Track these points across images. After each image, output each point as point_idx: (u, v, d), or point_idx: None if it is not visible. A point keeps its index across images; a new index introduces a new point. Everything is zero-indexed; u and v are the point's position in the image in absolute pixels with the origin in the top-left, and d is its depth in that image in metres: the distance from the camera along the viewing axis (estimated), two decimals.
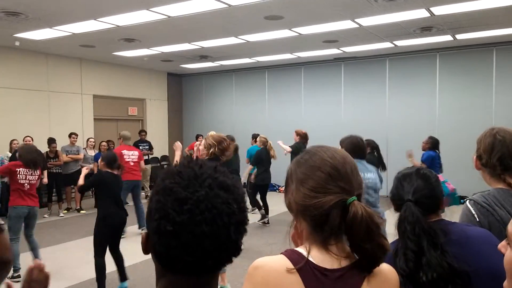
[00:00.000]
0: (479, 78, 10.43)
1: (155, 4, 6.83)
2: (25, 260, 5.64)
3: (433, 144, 7.43)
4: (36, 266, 1.49)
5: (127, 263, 5.94)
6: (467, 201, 1.84)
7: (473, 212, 1.77)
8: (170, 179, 0.88)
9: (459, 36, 9.42)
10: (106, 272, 4.91)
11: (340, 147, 3.52)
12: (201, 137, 11.65)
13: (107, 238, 4.86)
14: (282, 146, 8.43)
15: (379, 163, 7.62)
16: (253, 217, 8.77)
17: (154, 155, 12.45)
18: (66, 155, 9.84)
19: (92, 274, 4.94)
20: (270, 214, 8.46)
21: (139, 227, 7.93)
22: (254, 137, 9.48)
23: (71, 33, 8.73)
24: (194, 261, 0.84)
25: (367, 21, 7.96)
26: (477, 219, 1.75)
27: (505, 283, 1.11)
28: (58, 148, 9.76)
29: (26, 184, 5.53)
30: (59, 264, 6.22)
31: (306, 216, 1.13)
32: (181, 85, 15.55)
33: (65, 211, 9.87)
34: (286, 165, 1.31)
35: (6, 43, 9.64)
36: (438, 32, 8.93)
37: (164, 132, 14.69)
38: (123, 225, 5.05)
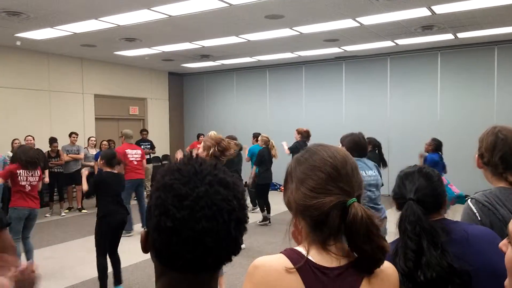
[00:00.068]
0: (481, 77, 10.41)
1: (156, 3, 6.83)
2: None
3: (436, 146, 7.41)
4: (29, 267, 1.50)
5: (129, 261, 5.98)
6: (469, 200, 1.83)
7: (475, 211, 1.77)
8: (170, 176, 0.87)
9: (461, 35, 9.40)
10: (108, 271, 4.91)
11: (340, 145, 3.52)
12: (202, 136, 11.66)
13: (107, 236, 4.86)
14: (284, 148, 8.42)
15: (381, 161, 7.63)
16: (254, 216, 8.78)
17: (155, 154, 12.46)
18: (67, 154, 9.85)
19: (93, 273, 4.95)
20: (272, 213, 8.45)
21: (143, 226, 7.95)
22: (255, 136, 9.47)
23: (72, 33, 8.74)
24: (194, 258, 0.84)
25: (368, 20, 7.95)
26: (479, 218, 1.74)
27: (506, 282, 1.10)
28: (59, 147, 9.78)
29: (27, 185, 5.53)
30: (60, 264, 6.24)
31: (306, 216, 1.13)
32: (182, 85, 15.55)
33: (67, 211, 9.89)
34: (287, 164, 1.30)
35: (8, 43, 9.65)
36: (440, 30, 8.92)
37: (165, 131, 14.70)
38: (124, 224, 5.04)
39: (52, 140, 9.66)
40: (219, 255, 0.86)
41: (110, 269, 4.96)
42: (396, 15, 7.65)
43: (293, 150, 8.64)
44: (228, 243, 0.86)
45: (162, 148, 13.69)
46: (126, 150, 7.83)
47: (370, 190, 3.54)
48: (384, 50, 11.10)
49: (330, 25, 8.32)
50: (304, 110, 12.87)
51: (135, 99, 13.65)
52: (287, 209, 1.22)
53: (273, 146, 8.58)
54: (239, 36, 9.25)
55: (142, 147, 10.14)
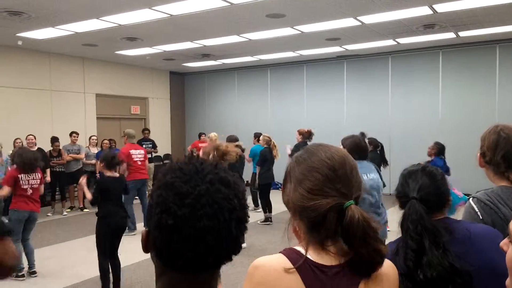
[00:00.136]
0: (482, 76, 10.40)
1: (157, 2, 6.83)
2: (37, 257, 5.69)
3: (439, 150, 7.40)
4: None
5: (131, 260, 5.99)
6: (470, 199, 1.83)
7: (476, 210, 1.76)
8: (171, 174, 0.88)
9: (462, 34, 9.38)
10: (109, 273, 4.92)
11: (342, 147, 3.50)
12: (203, 135, 11.67)
13: (107, 237, 4.87)
14: (287, 151, 8.39)
15: (382, 161, 7.64)
16: (255, 215, 8.79)
17: (156, 154, 12.47)
18: (67, 154, 9.86)
19: (95, 273, 4.96)
20: (273, 212, 8.46)
21: (145, 225, 7.94)
22: (257, 136, 9.47)
23: (73, 32, 8.74)
24: (194, 257, 0.84)
25: (370, 18, 7.94)
26: (480, 217, 1.74)
27: (507, 281, 1.10)
28: (61, 147, 9.79)
29: (28, 188, 5.55)
30: (62, 263, 6.25)
31: (303, 217, 1.13)
32: (183, 84, 15.56)
33: (68, 210, 9.90)
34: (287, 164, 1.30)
35: (9, 43, 9.66)
36: (441, 29, 8.90)
37: (167, 130, 14.70)
38: (124, 227, 5.04)
39: (54, 140, 9.68)
40: (219, 254, 0.87)
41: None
42: (398, 14, 7.64)
43: (294, 153, 8.62)
44: (228, 242, 0.86)
45: (163, 147, 13.69)
46: (130, 151, 7.84)
47: (371, 194, 3.50)
48: (385, 49, 11.09)
49: (331, 24, 8.31)
50: (306, 109, 12.86)
51: (136, 99, 13.66)
52: None
53: (275, 146, 8.57)
54: (240, 35, 9.24)
55: (144, 146, 10.17)
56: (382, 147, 8.03)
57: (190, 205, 0.83)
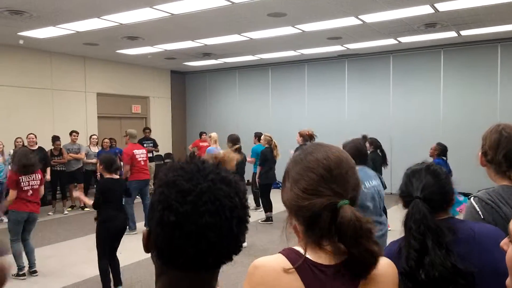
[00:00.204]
0: (484, 75, 10.38)
1: (158, 2, 6.83)
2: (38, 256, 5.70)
3: (441, 151, 7.38)
4: None
5: (132, 260, 6.00)
6: (472, 198, 1.82)
7: (478, 209, 1.76)
8: (173, 173, 0.89)
9: (464, 32, 9.37)
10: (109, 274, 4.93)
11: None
12: (204, 134, 11.68)
13: (106, 241, 4.88)
14: (290, 156, 8.39)
15: (383, 161, 7.62)
16: (256, 214, 8.80)
17: (158, 153, 12.47)
18: (67, 153, 9.87)
19: (95, 272, 4.96)
20: (274, 212, 8.47)
21: (145, 225, 7.97)
22: (257, 135, 9.46)
23: (74, 31, 8.75)
24: (196, 254, 0.84)
25: (371, 17, 7.93)
26: (482, 216, 1.74)
27: (507, 281, 1.10)
28: (62, 146, 9.80)
29: (29, 190, 5.56)
30: (63, 262, 6.26)
31: (299, 216, 1.13)
32: (184, 83, 15.56)
33: (69, 209, 9.91)
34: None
35: (10, 42, 9.67)
36: (442, 28, 8.89)
37: (168, 129, 14.71)
38: (124, 229, 5.05)
39: (55, 139, 9.69)
40: (220, 252, 0.87)
41: None
42: (399, 13, 7.63)
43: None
44: (229, 240, 0.87)
45: (164, 146, 13.69)
46: (134, 151, 7.85)
47: (373, 201, 3.47)
48: (386, 48, 11.07)
49: (332, 23, 8.30)
50: (307, 108, 12.85)
51: (137, 98, 13.66)
52: None
53: (275, 146, 8.57)
54: (242, 34, 9.24)
55: (145, 145, 10.19)
56: (381, 147, 8.00)
57: (192, 202, 0.83)
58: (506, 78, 10.13)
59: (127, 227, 5.60)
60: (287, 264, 1.08)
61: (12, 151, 8.68)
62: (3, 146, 8.82)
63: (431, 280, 1.43)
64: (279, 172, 8.77)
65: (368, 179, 3.47)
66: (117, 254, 5.01)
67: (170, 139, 14.72)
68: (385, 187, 3.93)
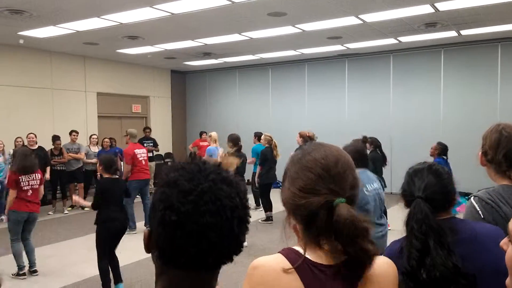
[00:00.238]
0: (484, 74, 10.38)
1: (158, 1, 6.82)
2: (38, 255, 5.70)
3: (442, 151, 7.36)
4: None
5: (132, 259, 6.00)
6: (472, 197, 1.82)
7: (478, 209, 1.76)
8: (175, 173, 0.89)
9: (464, 32, 9.36)
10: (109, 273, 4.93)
11: None
12: (204, 134, 11.67)
13: (106, 242, 4.89)
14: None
15: (383, 160, 7.62)
16: (257, 214, 8.79)
17: (158, 152, 12.47)
18: (67, 153, 9.87)
19: (96, 271, 4.96)
20: (274, 211, 8.47)
21: (145, 224, 7.97)
22: (257, 135, 9.45)
23: (74, 31, 8.74)
24: (197, 254, 0.85)
25: (371, 17, 7.92)
26: (482, 216, 1.74)
27: (507, 281, 1.09)
28: (61, 145, 9.80)
29: (29, 189, 5.56)
30: (63, 261, 6.26)
31: (297, 215, 1.14)
32: (184, 82, 15.56)
33: (69, 208, 9.91)
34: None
35: (10, 41, 9.67)
36: (443, 28, 8.88)
37: (168, 129, 14.71)
38: (124, 230, 5.06)
39: (55, 138, 9.69)
40: (221, 252, 0.87)
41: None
42: (399, 12, 7.62)
43: None
44: (230, 240, 0.87)
45: (165, 146, 13.69)
46: (135, 151, 7.85)
47: (374, 204, 3.49)
48: (386, 48, 11.07)
49: (332, 22, 8.30)
50: (307, 108, 12.85)
51: (137, 97, 13.66)
52: None
53: (276, 146, 8.58)
54: (242, 33, 9.23)
55: (145, 145, 10.19)
56: (380, 146, 8.00)
57: (193, 202, 0.84)
58: (506, 77, 10.13)
59: (127, 227, 5.59)
60: (287, 264, 1.08)
61: (12, 151, 8.69)
62: (3, 145, 8.82)
63: (433, 280, 1.43)
64: (280, 172, 8.80)
65: (369, 182, 3.50)
66: (117, 253, 5.02)
67: (170, 139, 14.72)
68: (385, 186, 3.95)
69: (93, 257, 4.98)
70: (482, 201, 1.77)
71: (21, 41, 9.58)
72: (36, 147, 8.98)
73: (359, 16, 7.86)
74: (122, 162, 9.58)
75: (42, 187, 5.83)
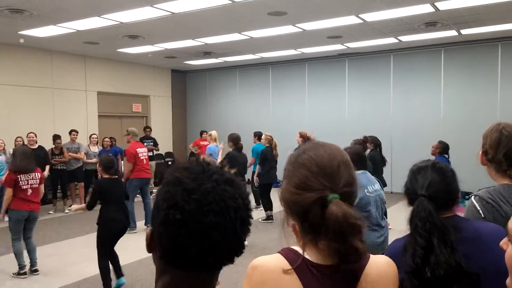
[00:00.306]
0: (484, 73, 10.37)
1: (158, 0, 6.82)
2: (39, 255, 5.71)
3: (443, 149, 7.35)
4: None
5: (132, 258, 6.00)
6: (472, 197, 1.82)
7: (478, 208, 1.76)
8: (179, 173, 0.90)
9: (464, 31, 9.36)
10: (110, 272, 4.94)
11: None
12: (205, 133, 11.67)
13: (108, 241, 4.90)
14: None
15: (382, 160, 7.62)
16: (257, 213, 8.79)
17: (158, 152, 12.48)
18: (67, 152, 9.87)
19: (97, 270, 4.96)
20: (274, 210, 8.48)
21: (146, 224, 7.97)
22: (257, 135, 9.45)
23: (75, 30, 8.75)
24: (199, 253, 0.85)
25: (371, 16, 7.92)
26: (482, 215, 1.74)
27: (507, 280, 1.10)
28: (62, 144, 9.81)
29: (28, 189, 5.55)
30: (64, 260, 6.27)
31: (293, 213, 1.14)
32: (185, 82, 15.55)
33: (70, 208, 9.90)
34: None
35: (11, 40, 9.67)
36: (443, 27, 8.88)
37: (168, 128, 14.71)
38: (125, 230, 5.07)
39: (56, 137, 9.69)
40: (222, 252, 0.87)
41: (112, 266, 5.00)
42: (399, 12, 7.62)
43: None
44: (233, 240, 0.88)
45: (165, 145, 13.70)
46: (137, 149, 7.86)
47: (375, 205, 3.49)
48: (387, 47, 11.06)
49: (333, 22, 8.30)
50: (307, 107, 12.85)
51: (138, 97, 13.66)
52: None
53: (276, 145, 8.58)
54: (242, 33, 9.23)
55: (145, 144, 10.18)
56: (380, 146, 7.99)
57: (197, 201, 0.84)
58: (507, 77, 10.12)
59: (128, 227, 5.60)
60: (286, 264, 1.08)
61: (12, 150, 8.70)
62: (4, 144, 8.83)
63: (437, 278, 1.43)
64: (280, 171, 8.79)
65: (371, 184, 3.52)
66: (117, 253, 5.03)
67: (171, 138, 14.72)
68: (385, 185, 3.96)
69: (93, 256, 4.98)
70: (482, 201, 1.77)
71: (22, 40, 9.58)
72: (36, 146, 8.99)
73: (359, 15, 7.86)
74: (122, 162, 9.59)
75: (42, 186, 5.82)
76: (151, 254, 0.94)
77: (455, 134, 10.12)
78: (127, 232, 5.32)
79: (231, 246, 0.88)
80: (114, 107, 12.88)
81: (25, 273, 5.55)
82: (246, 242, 0.92)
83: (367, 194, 3.39)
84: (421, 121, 11.04)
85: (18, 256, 5.51)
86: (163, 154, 13.60)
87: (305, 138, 8.72)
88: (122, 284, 5.04)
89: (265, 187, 8.53)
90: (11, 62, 10.25)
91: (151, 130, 11.87)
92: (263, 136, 8.85)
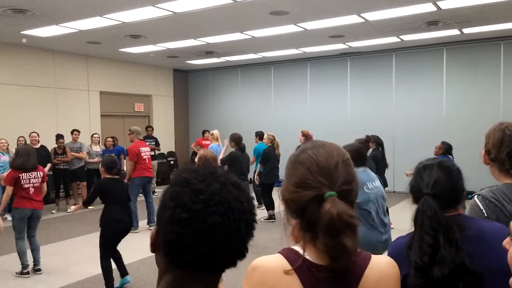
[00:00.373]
0: (487, 72, 10.35)
1: (160, 0, 6.83)
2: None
3: (446, 150, 7.34)
4: None
5: (135, 258, 6.01)
6: (475, 196, 1.82)
7: (481, 208, 1.76)
8: (187, 174, 0.91)
9: (466, 30, 9.34)
10: (112, 271, 4.95)
11: None
12: (207, 132, 11.68)
13: (111, 241, 4.91)
14: None
15: (383, 159, 7.61)
16: (259, 213, 8.80)
17: (160, 151, 12.48)
18: (70, 152, 9.89)
19: (99, 270, 4.97)
20: (276, 210, 8.48)
21: (148, 223, 7.97)
22: (258, 134, 9.44)
23: (77, 30, 8.76)
24: (203, 254, 0.86)
25: (373, 15, 7.91)
26: (485, 215, 1.73)
27: (511, 280, 1.09)
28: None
29: (31, 188, 5.55)
30: (66, 260, 6.28)
31: (292, 212, 1.14)
32: (187, 81, 15.56)
33: (73, 207, 9.93)
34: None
35: (13, 40, 9.69)
36: (445, 26, 8.86)
37: (171, 128, 14.72)
38: (128, 230, 5.08)
39: (59, 137, 9.70)
40: (226, 254, 0.88)
41: (113, 265, 5.00)
42: (401, 11, 7.61)
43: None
44: (237, 242, 0.89)
45: (167, 145, 13.72)
46: (140, 148, 7.86)
47: (376, 202, 3.49)
48: (389, 46, 11.05)
49: (334, 21, 8.29)
50: (309, 107, 12.84)
51: (140, 96, 13.68)
52: None
53: (278, 145, 8.58)
54: (244, 32, 9.23)
55: (147, 144, 10.17)
56: (382, 145, 7.98)
57: (204, 201, 0.86)
58: (509, 76, 10.10)
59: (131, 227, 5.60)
60: (286, 265, 1.08)
61: (14, 150, 8.72)
62: (8, 144, 8.85)
63: (442, 276, 1.43)
64: (282, 171, 8.77)
65: (370, 181, 3.51)
66: (120, 252, 5.05)
67: (173, 138, 14.73)
68: (386, 185, 3.95)
69: (96, 256, 5.00)
70: (485, 200, 1.77)
71: (24, 40, 9.60)
72: (38, 146, 9.01)
73: (361, 14, 7.85)
74: (125, 161, 9.59)
75: (44, 184, 5.81)
76: (153, 254, 0.95)
77: (457, 133, 10.10)
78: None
79: (235, 248, 0.89)
80: (116, 107, 12.90)
81: (28, 273, 5.56)
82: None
83: (367, 191, 3.39)
84: (424, 120, 11.02)
85: (22, 255, 5.52)
86: (165, 154, 13.61)
87: (307, 137, 8.72)
88: (127, 283, 5.06)
89: (267, 187, 8.54)
90: (13, 62, 10.27)
91: (153, 129, 11.88)
92: (265, 136, 8.85)
